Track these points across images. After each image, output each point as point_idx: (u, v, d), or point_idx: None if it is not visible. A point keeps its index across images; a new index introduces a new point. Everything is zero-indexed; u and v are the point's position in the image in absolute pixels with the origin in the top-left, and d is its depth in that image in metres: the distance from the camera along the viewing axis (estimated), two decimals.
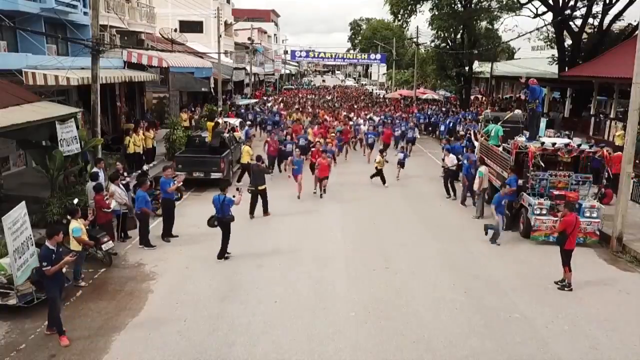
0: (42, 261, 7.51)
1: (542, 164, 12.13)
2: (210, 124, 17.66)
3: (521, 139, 13.34)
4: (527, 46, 52.53)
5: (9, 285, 8.20)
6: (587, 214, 12.01)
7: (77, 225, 9.02)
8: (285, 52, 76.55)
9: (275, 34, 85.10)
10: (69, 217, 9.39)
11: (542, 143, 12.24)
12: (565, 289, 9.70)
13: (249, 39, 45.35)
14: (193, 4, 39.19)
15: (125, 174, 13.10)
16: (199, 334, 7.74)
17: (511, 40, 35.94)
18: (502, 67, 44.25)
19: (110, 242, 10.06)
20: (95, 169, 12.25)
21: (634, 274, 10.87)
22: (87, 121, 15.24)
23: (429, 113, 34.04)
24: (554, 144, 12.11)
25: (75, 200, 10.53)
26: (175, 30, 31.08)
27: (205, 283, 9.56)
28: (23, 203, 8.75)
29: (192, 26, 44.39)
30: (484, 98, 44.55)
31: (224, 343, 7.48)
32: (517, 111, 19.07)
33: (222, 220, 10.63)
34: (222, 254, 10.73)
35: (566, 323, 8.42)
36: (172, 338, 7.61)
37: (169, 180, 11.76)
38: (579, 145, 12.21)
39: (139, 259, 10.64)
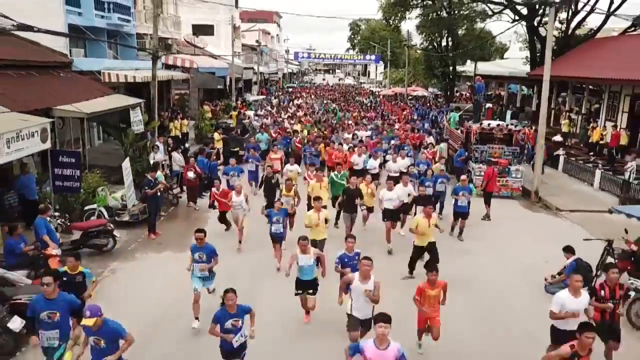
0: (144, 186, 12.20)
1: (478, 139, 16.79)
2: (234, 114, 22.28)
3: (470, 123, 18.00)
4: (515, 47, 57.25)
5: (123, 208, 12.88)
6: (514, 175, 16.68)
7: (160, 174, 13.69)
8: (287, 52, 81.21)
9: (277, 34, 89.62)
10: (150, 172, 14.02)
11: (481, 124, 16.90)
12: (486, 219, 14.34)
13: (257, 41, 49.97)
14: (205, 9, 43.79)
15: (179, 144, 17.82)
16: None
17: (487, 41, 40.53)
18: (489, 67, 48.71)
19: (178, 188, 14.75)
20: (157, 142, 16.94)
21: (540, 214, 15.59)
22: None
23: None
24: (489, 124, 16.78)
25: (152, 162, 15.20)
26: (197, 36, 35.67)
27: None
28: (127, 159, 13.48)
29: (204, 29, 49.03)
30: (468, 94, 49.12)
31: (260, 249, 11.99)
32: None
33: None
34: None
35: (482, 235, 13.04)
36: (232, 236, 12.20)
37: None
38: (507, 126, 16.87)
39: (197, 205, 15.13)
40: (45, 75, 16.06)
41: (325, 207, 11.32)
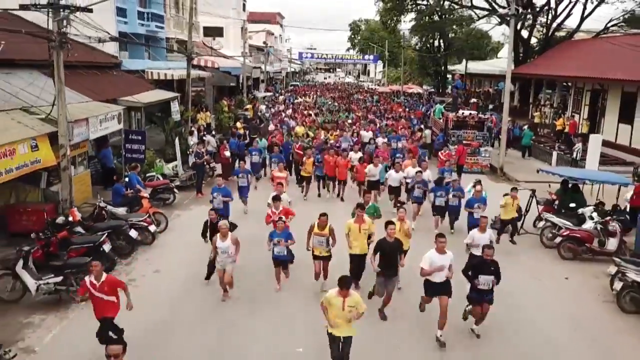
0: (196, 157, 16.04)
1: (454, 125, 20.62)
2: (250, 107, 26.13)
3: (448, 112, 21.84)
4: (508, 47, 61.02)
5: (175, 176, 16.73)
6: (483, 154, 20.52)
7: (202, 150, 17.49)
8: (289, 52, 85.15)
9: (280, 35, 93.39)
10: (196, 145, 17.79)
11: (456, 113, 20.72)
12: None
13: (264, 42, 53.84)
14: (216, 12, 47.60)
15: (206, 132, 21.66)
16: None
17: (480, 39, 44.29)
18: (481, 66, 52.23)
19: (214, 163, 18.58)
20: (192, 128, 20.77)
21: (502, 184, 19.39)
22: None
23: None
24: (462, 113, 20.62)
25: (191, 143, 19.03)
26: (214, 38, 39.50)
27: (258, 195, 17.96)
28: (177, 139, 17.34)
29: (214, 31, 52.98)
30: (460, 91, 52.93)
31: None
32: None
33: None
34: None
35: None
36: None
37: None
38: (477, 114, 20.71)
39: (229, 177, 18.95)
40: (103, 74, 19.90)
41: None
